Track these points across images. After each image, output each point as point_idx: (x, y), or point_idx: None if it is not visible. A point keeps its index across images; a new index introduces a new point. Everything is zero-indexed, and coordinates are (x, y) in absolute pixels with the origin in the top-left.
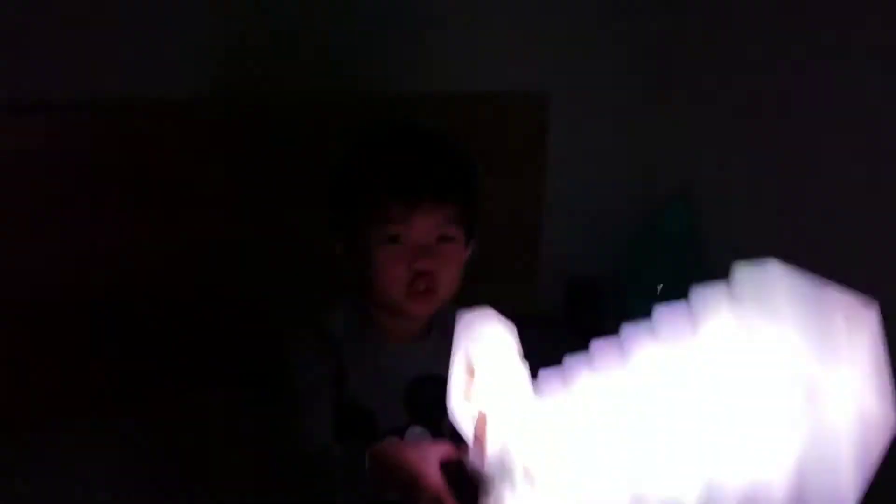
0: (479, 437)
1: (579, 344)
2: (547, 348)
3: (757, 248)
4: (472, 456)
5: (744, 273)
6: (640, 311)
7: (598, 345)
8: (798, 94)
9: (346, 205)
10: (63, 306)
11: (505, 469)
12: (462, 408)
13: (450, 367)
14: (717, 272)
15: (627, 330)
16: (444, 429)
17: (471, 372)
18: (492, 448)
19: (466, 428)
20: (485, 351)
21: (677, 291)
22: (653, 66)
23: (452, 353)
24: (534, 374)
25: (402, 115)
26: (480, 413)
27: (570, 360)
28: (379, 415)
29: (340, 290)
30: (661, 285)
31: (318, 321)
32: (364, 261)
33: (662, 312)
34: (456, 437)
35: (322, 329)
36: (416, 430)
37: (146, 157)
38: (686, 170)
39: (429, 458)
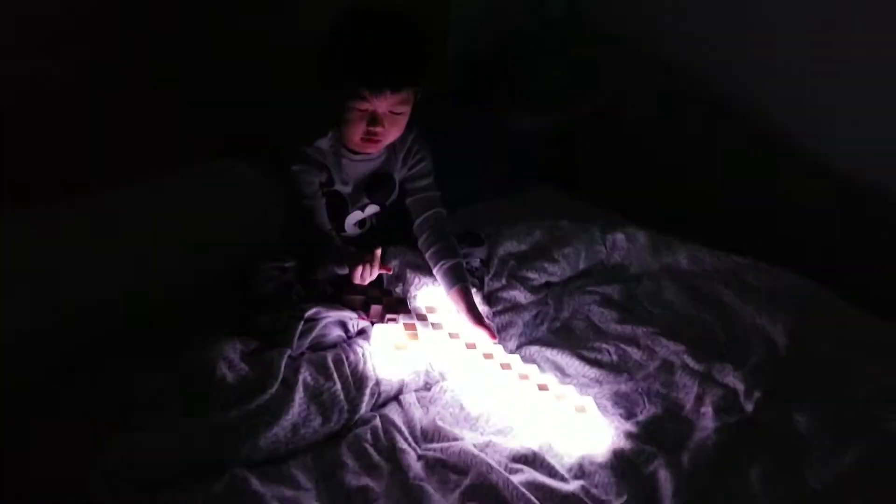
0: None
1: (484, 112)
2: (459, 114)
3: (623, 32)
4: None
5: None
6: (527, 84)
7: None
8: None
9: (331, 70)
10: None
11: None
12: None
13: None
14: (591, 53)
15: None
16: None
17: None
18: None
19: None
20: None
21: (558, 68)
22: None
23: None
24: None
25: None
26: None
27: None
28: (349, 198)
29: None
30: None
31: (312, 142)
32: (336, 109)
33: None
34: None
35: (315, 147)
36: (371, 205)
37: None
38: None
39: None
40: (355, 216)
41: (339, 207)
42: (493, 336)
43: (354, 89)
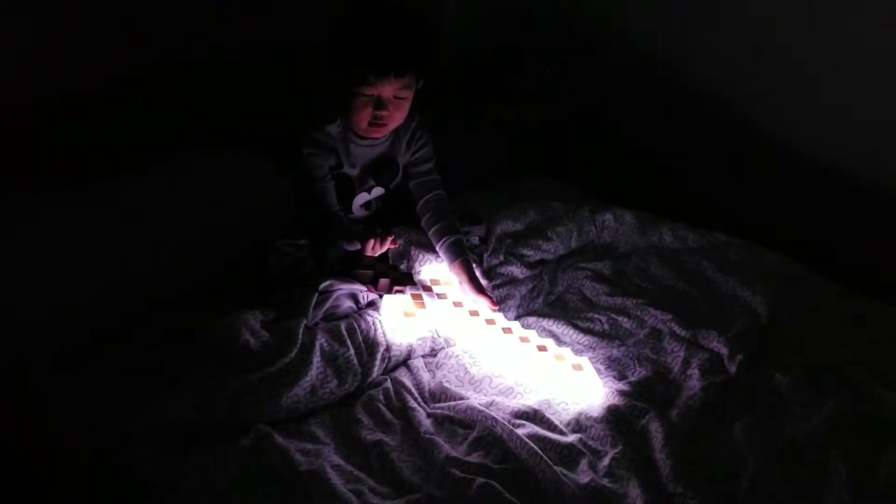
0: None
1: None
2: (456, 110)
3: (614, 30)
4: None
5: None
6: (521, 81)
7: None
8: None
9: (339, 57)
10: None
11: None
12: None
13: None
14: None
15: None
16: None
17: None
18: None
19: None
20: None
21: (550, 65)
22: None
23: None
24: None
25: None
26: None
27: None
28: (356, 181)
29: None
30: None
31: (322, 128)
32: (343, 96)
33: None
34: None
35: (325, 132)
36: (377, 188)
37: None
38: None
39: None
40: (362, 198)
41: (347, 189)
42: (494, 304)
43: (361, 75)
